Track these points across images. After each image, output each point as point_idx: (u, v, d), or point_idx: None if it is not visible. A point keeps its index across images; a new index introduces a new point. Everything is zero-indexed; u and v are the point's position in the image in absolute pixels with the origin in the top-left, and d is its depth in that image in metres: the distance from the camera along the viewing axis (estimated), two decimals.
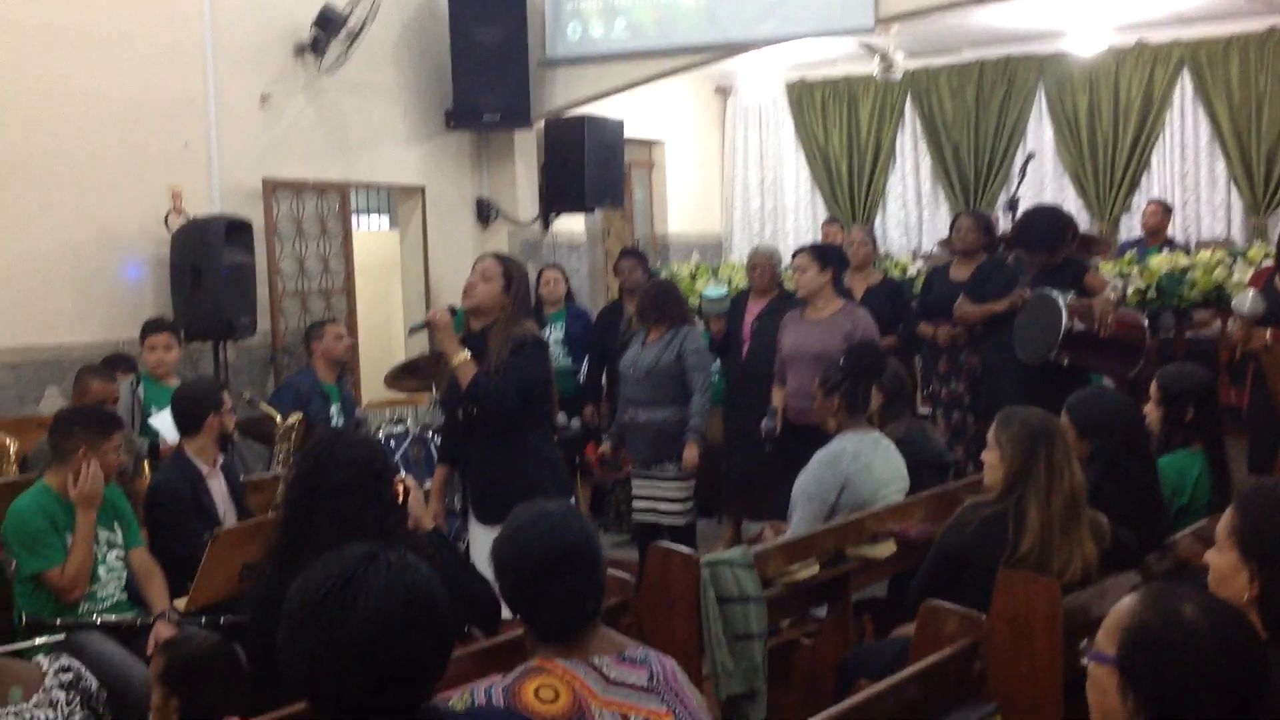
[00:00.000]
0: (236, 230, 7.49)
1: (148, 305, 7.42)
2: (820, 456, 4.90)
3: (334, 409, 6.69)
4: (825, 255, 6.38)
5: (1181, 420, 4.55)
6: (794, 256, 6.49)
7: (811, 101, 13.17)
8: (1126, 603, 1.97)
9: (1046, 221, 6.40)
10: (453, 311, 4.80)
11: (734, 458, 6.91)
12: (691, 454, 6.18)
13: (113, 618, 4.41)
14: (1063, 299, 5.90)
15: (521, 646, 2.60)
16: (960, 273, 6.99)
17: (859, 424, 4.97)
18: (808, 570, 4.25)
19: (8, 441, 5.72)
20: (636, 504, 6.37)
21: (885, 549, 4.52)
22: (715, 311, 7.26)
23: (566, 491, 4.91)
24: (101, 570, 4.50)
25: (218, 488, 5.05)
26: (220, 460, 5.11)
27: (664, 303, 6.38)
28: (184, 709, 3.17)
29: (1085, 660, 2.01)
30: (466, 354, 4.59)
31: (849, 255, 7.47)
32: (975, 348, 6.80)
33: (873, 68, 11.34)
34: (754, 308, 7.09)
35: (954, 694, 3.23)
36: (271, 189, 8.25)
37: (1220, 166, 11.31)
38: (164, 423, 5.96)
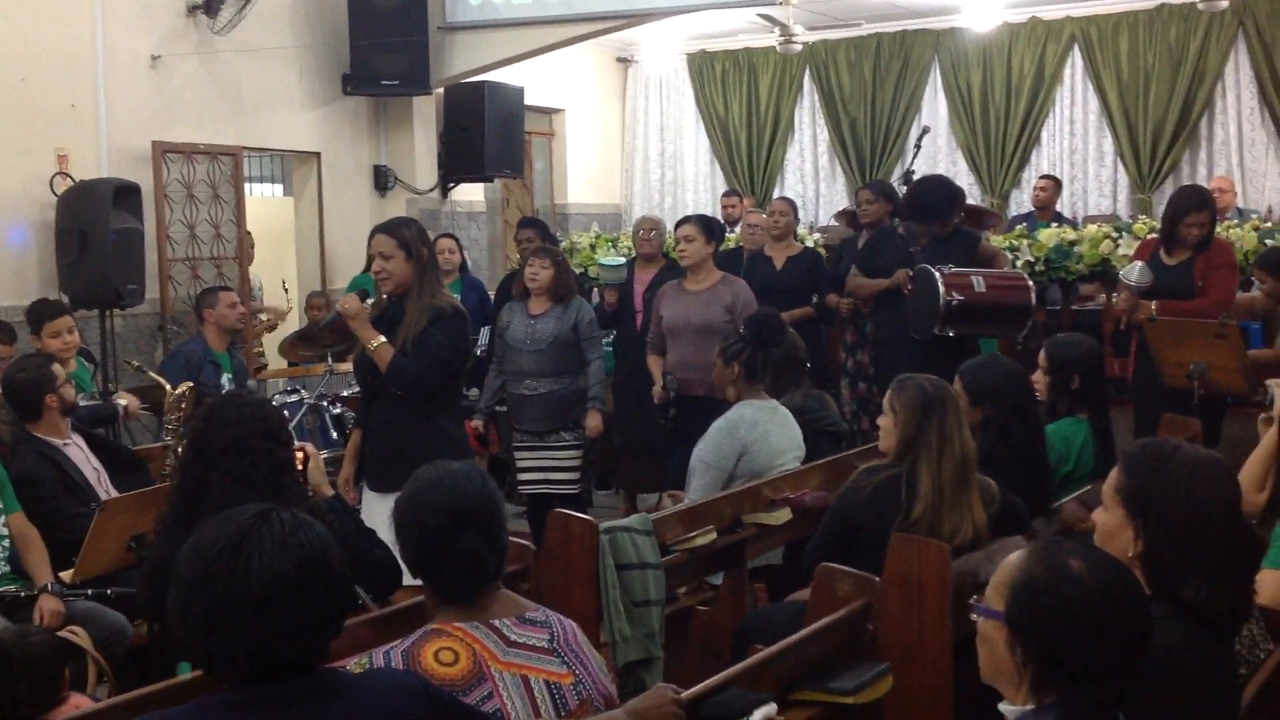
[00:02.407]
0: (125, 194, 7.30)
1: (32, 271, 7.23)
2: (719, 425, 4.95)
3: (225, 378, 6.57)
4: (709, 226, 6.42)
5: (1068, 388, 4.67)
6: (678, 227, 6.51)
7: (712, 72, 13.21)
8: (1014, 559, 2.03)
9: (936, 191, 6.50)
10: (364, 294, 4.75)
11: (629, 429, 6.93)
12: (595, 421, 6.20)
13: None
14: (940, 274, 5.99)
15: (422, 613, 2.60)
16: None
17: (757, 393, 5.02)
18: (705, 537, 4.28)
19: None
20: (525, 476, 6.35)
21: (781, 516, 4.57)
22: (613, 280, 7.26)
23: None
24: None
25: (78, 454, 4.91)
26: (69, 424, 4.96)
27: (571, 279, 6.39)
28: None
29: (975, 616, 2.06)
30: (381, 339, 4.54)
31: (769, 225, 7.50)
32: (872, 319, 6.89)
33: (773, 40, 11.41)
34: (643, 277, 7.10)
35: (847, 654, 3.29)
36: (161, 152, 8.05)
37: (1108, 143, 11.58)
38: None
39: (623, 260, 7.51)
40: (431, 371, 4.52)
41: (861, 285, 6.66)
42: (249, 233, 8.78)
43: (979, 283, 6.04)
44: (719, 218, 9.18)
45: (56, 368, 4.95)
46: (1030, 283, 6.24)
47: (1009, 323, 6.15)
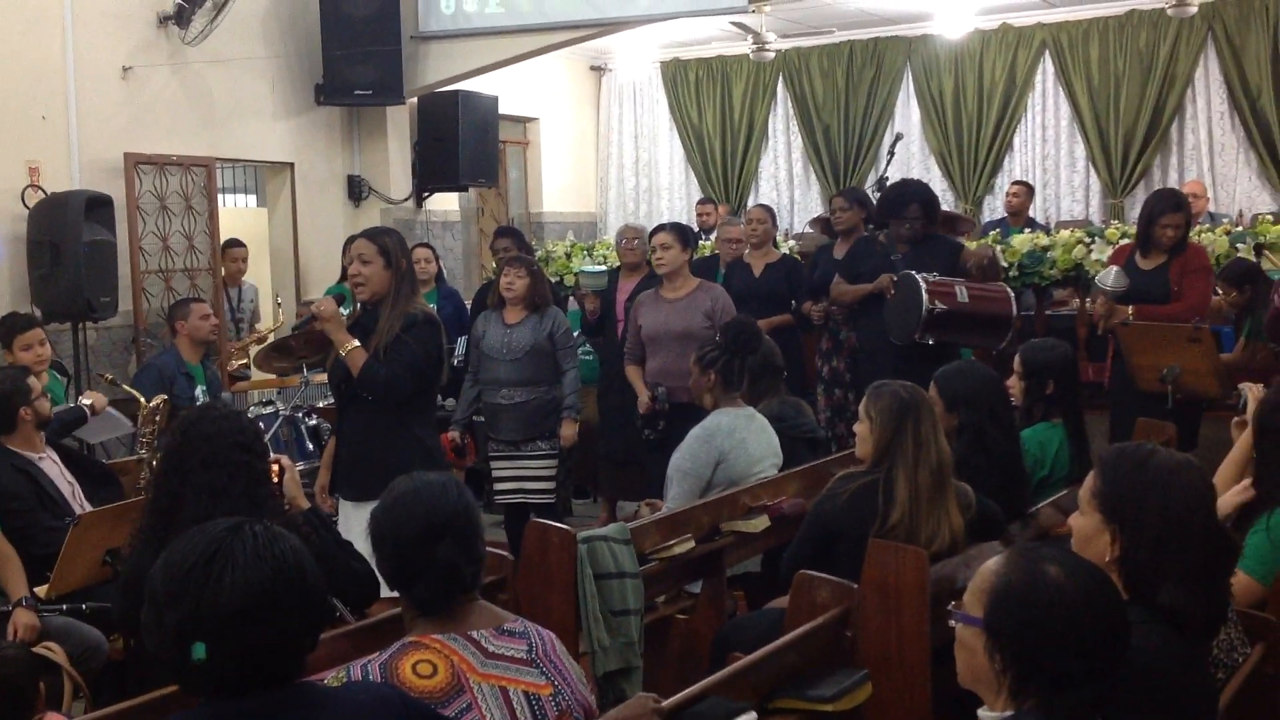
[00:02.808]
0: (97, 206, 7.26)
1: (3, 285, 7.17)
2: (696, 433, 4.94)
3: (199, 390, 6.53)
4: (685, 234, 6.44)
5: (1042, 393, 4.69)
6: (653, 235, 6.52)
7: (685, 81, 13.24)
8: (992, 564, 2.03)
9: (907, 186, 6.61)
10: (340, 299, 4.73)
11: (610, 438, 6.92)
12: (570, 430, 6.22)
13: None
14: (925, 281, 6.01)
15: (399, 626, 2.58)
16: (843, 251, 7.08)
17: (733, 400, 5.02)
18: (683, 546, 4.27)
19: None
20: (501, 485, 6.34)
21: (759, 524, 4.57)
22: (594, 287, 7.25)
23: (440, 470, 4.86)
24: None
25: (52, 468, 4.87)
26: (43, 437, 4.93)
27: (547, 288, 6.39)
28: None
29: (953, 622, 2.07)
30: (355, 343, 4.52)
31: (747, 234, 7.52)
32: (854, 325, 6.91)
33: (745, 47, 11.44)
34: (625, 286, 7.11)
35: (826, 661, 3.29)
36: (134, 164, 8.00)
37: (1080, 149, 11.67)
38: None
39: (604, 268, 7.51)
40: (404, 378, 4.51)
41: (845, 291, 6.69)
42: (243, 245, 8.75)
43: (962, 292, 6.06)
44: (694, 226, 9.19)
45: (32, 380, 4.91)
46: (1011, 294, 6.26)
47: (989, 333, 6.18)
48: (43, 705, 3.40)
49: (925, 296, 5.94)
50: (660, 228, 6.51)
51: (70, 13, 7.64)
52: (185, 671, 1.93)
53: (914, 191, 6.63)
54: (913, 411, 3.79)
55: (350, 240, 4.75)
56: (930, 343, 6.02)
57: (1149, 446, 2.47)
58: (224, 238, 8.71)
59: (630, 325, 6.46)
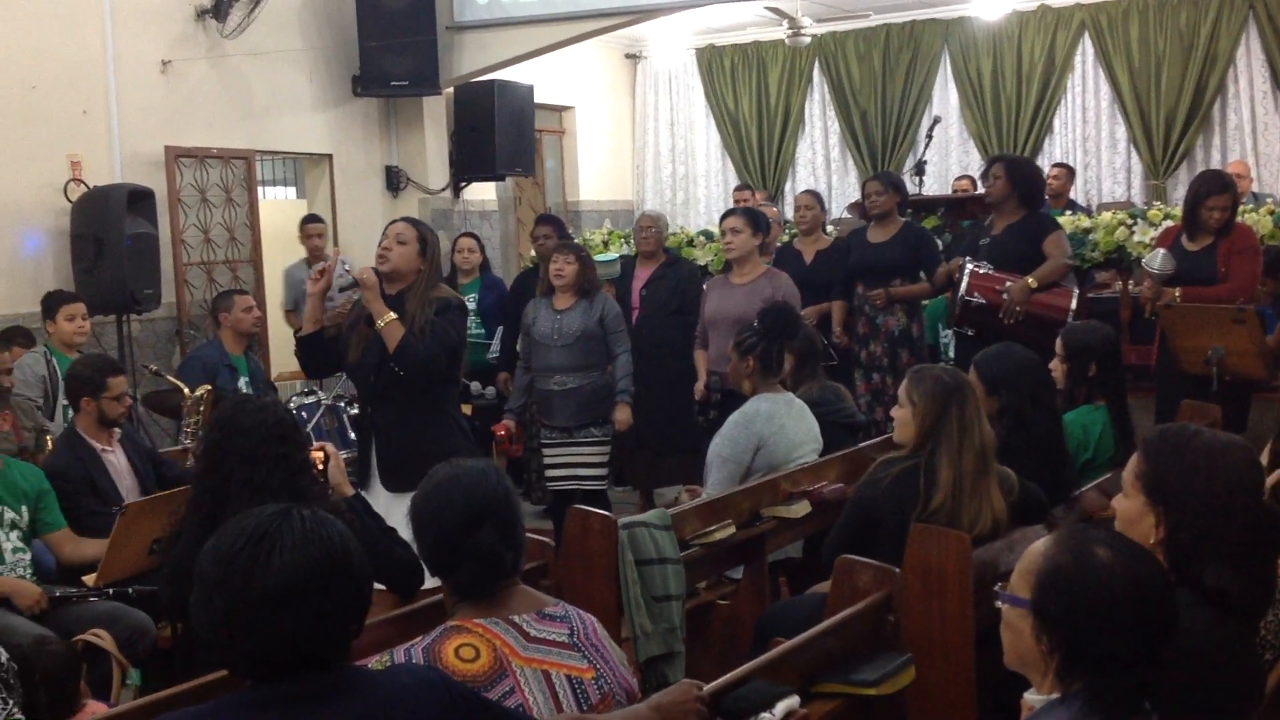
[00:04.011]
0: (138, 199, 7.33)
1: (48, 278, 7.24)
2: (735, 419, 4.94)
3: (242, 382, 6.58)
4: (756, 219, 6.41)
5: (1084, 376, 4.65)
6: (723, 219, 6.50)
7: (721, 67, 13.19)
8: (1039, 546, 2.02)
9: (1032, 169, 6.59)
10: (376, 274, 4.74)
11: (631, 426, 6.90)
12: (625, 414, 6.20)
13: None
14: (971, 272, 5.94)
15: (441, 611, 2.60)
16: (878, 235, 7.03)
17: (772, 386, 5.01)
18: (724, 531, 4.27)
19: None
20: (552, 473, 6.34)
21: (800, 509, 4.56)
22: (607, 276, 7.26)
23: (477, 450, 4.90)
24: (7, 553, 4.38)
25: (116, 462, 4.94)
26: (118, 434, 5.00)
27: (594, 273, 6.38)
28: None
29: (1000, 603, 2.06)
30: (393, 315, 4.51)
31: (795, 220, 7.52)
32: (891, 311, 6.89)
33: (781, 33, 11.38)
34: (642, 274, 7.10)
35: (868, 646, 3.28)
36: (174, 157, 8.07)
37: (1120, 130, 11.55)
38: None
39: (615, 256, 7.51)
40: (439, 356, 4.51)
41: (900, 293, 6.69)
42: (320, 220, 8.63)
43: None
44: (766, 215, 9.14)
45: (116, 382, 4.94)
46: (1073, 304, 6.00)
47: (1031, 337, 6.00)
48: (86, 696, 3.45)
49: (964, 287, 5.88)
50: (730, 212, 6.53)
51: (110, 8, 7.72)
52: (233, 654, 1.95)
53: (1000, 157, 6.62)
54: (956, 395, 3.77)
55: (396, 220, 4.72)
56: (970, 334, 5.96)
57: (1193, 428, 2.45)
58: (264, 230, 8.78)
59: (701, 309, 6.47)
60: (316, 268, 4.65)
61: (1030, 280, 5.96)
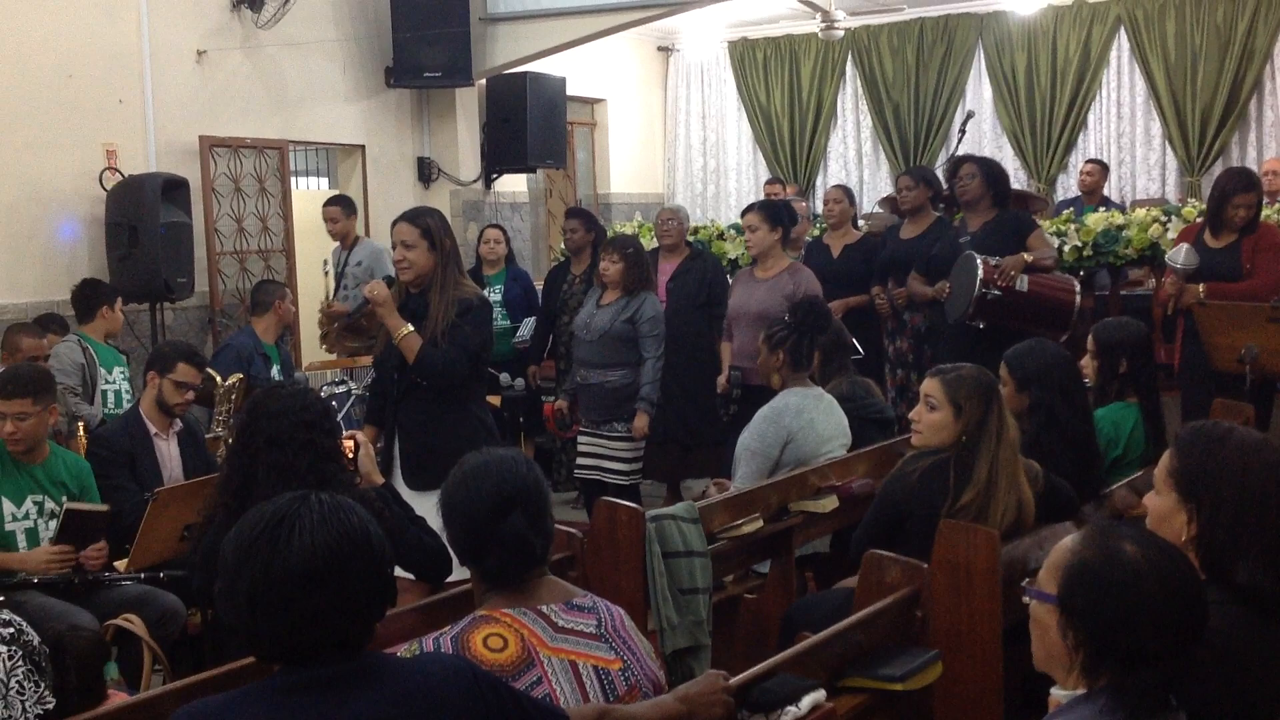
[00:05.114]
0: (173, 188, 7.39)
1: (82, 266, 7.31)
2: (764, 412, 4.93)
3: (275, 370, 6.63)
4: (775, 213, 6.39)
5: (1116, 372, 4.62)
6: (743, 215, 6.50)
7: (753, 60, 13.17)
8: (1067, 542, 2.01)
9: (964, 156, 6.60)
10: (389, 281, 4.75)
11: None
12: (642, 423, 6.14)
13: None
14: (982, 264, 5.93)
15: (469, 600, 2.61)
16: (910, 231, 7.01)
17: (802, 380, 5.00)
18: (752, 525, 4.27)
19: None
20: (581, 460, 6.38)
21: (828, 504, 4.56)
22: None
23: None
24: (45, 542, 4.40)
25: (166, 450, 4.98)
26: (177, 426, 5.04)
27: (643, 272, 6.31)
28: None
29: (1027, 599, 2.05)
30: (409, 328, 4.53)
31: (824, 215, 7.51)
32: (918, 307, 6.87)
33: (814, 26, 11.35)
34: (665, 268, 7.09)
35: (896, 641, 3.28)
36: (208, 147, 8.13)
37: (1155, 126, 11.46)
38: (118, 384, 6.00)
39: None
40: (460, 362, 4.53)
41: (915, 293, 6.69)
42: (334, 205, 8.17)
43: (1022, 281, 5.96)
44: (790, 205, 9.12)
45: (185, 369, 4.98)
46: (1077, 288, 6.11)
47: (1046, 324, 6.02)
48: (111, 687, 3.50)
49: (980, 279, 5.87)
50: (750, 208, 6.51)
51: None
52: (258, 638, 1.97)
53: (968, 157, 6.64)
54: (995, 392, 3.77)
55: (395, 222, 4.70)
56: (981, 326, 5.96)
57: (1226, 425, 2.43)
58: (297, 220, 8.81)
59: (727, 302, 6.47)
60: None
61: (1025, 255, 6.07)
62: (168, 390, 4.93)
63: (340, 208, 7.80)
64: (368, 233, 9.47)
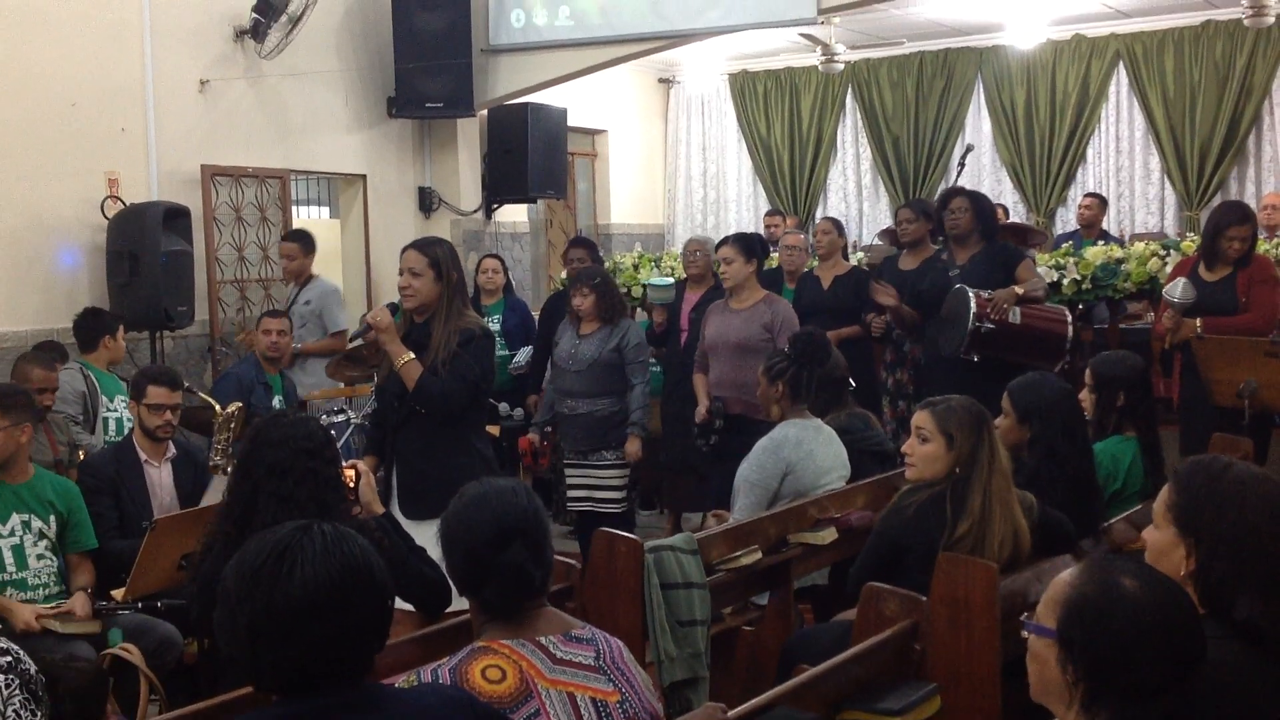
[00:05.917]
0: (174, 217, 7.40)
1: (83, 293, 7.32)
2: (763, 444, 4.93)
3: (276, 400, 6.63)
4: (750, 246, 6.42)
5: (1114, 406, 4.62)
6: (718, 248, 6.52)
7: (754, 92, 13.23)
8: (1066, 576, 2.01)
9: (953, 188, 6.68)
10: (393, 309, 4.77)
11: (672, 446, 6.92)
12: (634, 447, 6.24)
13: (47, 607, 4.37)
14: (974, 298, 5.95)
15: (468, 631, 2.60)
16: (909, 263, 7.03)
17: (801, 412, 5.00)
18: (750, 557, 4.27)
19: None
20: (571, 493, 6.40)
21: (827, 535, 4.55)
22: (661, 300, 7.29)
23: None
24: (31, 559, 4.44)
25: (157, 478, 4.99)
26: (170, 452, 5.05)
27: (616, 300, 6.41)
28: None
29: (1025, 632, 2.05)
30: (410, 355, 4.55)
31: (815, 245, 7.54)
32: (917, 338, 6.88)
33: (814, 59, 11.41)
34: (691, 298, 7.12)
35: (895, 674, 3.27)
36: (210, 175, 8.15)
37: (1154, 161, 11.50)
38: (120, 412, 5.99)
39: (670, 281, 7.53)
40: (460, 392, 4.54)
41: (879, 301, 6.76)
42: (292, 241, 7.96)
43: (1015, 313, 6.00)
44: (763, 236, 9.16)
45: (156, 391, 5.01)
46: (1069, 318, 6.18)
47: (1040, 354, 6.06)
48: (111, 716, 3.48)
49: (973, 314, 5.89)
50: (724, 241, 6.51)
51: (150, 28, 7.81)
52: (257, 669, 1.97)
53: (958, 190, 6.72)
54: (986, 422, 3.78)
55: (405, 250, 4.72)
56: (975, 359, 5.98)
57: (1225, 459, 2.43)
58: None
59: (700, 334, 6.48)
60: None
61: (1017, 288, 6.17)
62: (144, 415, 4.99)
63: (299, 244, 7.63)
64: (368, 261, 9.53)
